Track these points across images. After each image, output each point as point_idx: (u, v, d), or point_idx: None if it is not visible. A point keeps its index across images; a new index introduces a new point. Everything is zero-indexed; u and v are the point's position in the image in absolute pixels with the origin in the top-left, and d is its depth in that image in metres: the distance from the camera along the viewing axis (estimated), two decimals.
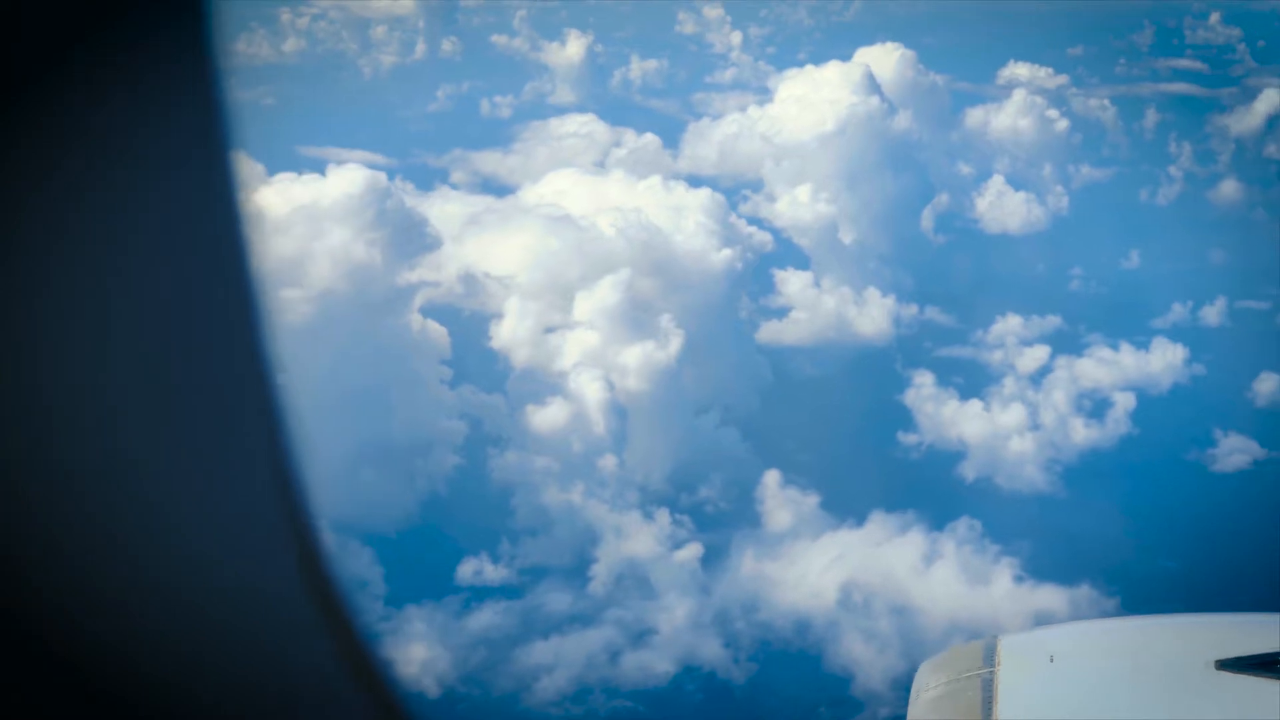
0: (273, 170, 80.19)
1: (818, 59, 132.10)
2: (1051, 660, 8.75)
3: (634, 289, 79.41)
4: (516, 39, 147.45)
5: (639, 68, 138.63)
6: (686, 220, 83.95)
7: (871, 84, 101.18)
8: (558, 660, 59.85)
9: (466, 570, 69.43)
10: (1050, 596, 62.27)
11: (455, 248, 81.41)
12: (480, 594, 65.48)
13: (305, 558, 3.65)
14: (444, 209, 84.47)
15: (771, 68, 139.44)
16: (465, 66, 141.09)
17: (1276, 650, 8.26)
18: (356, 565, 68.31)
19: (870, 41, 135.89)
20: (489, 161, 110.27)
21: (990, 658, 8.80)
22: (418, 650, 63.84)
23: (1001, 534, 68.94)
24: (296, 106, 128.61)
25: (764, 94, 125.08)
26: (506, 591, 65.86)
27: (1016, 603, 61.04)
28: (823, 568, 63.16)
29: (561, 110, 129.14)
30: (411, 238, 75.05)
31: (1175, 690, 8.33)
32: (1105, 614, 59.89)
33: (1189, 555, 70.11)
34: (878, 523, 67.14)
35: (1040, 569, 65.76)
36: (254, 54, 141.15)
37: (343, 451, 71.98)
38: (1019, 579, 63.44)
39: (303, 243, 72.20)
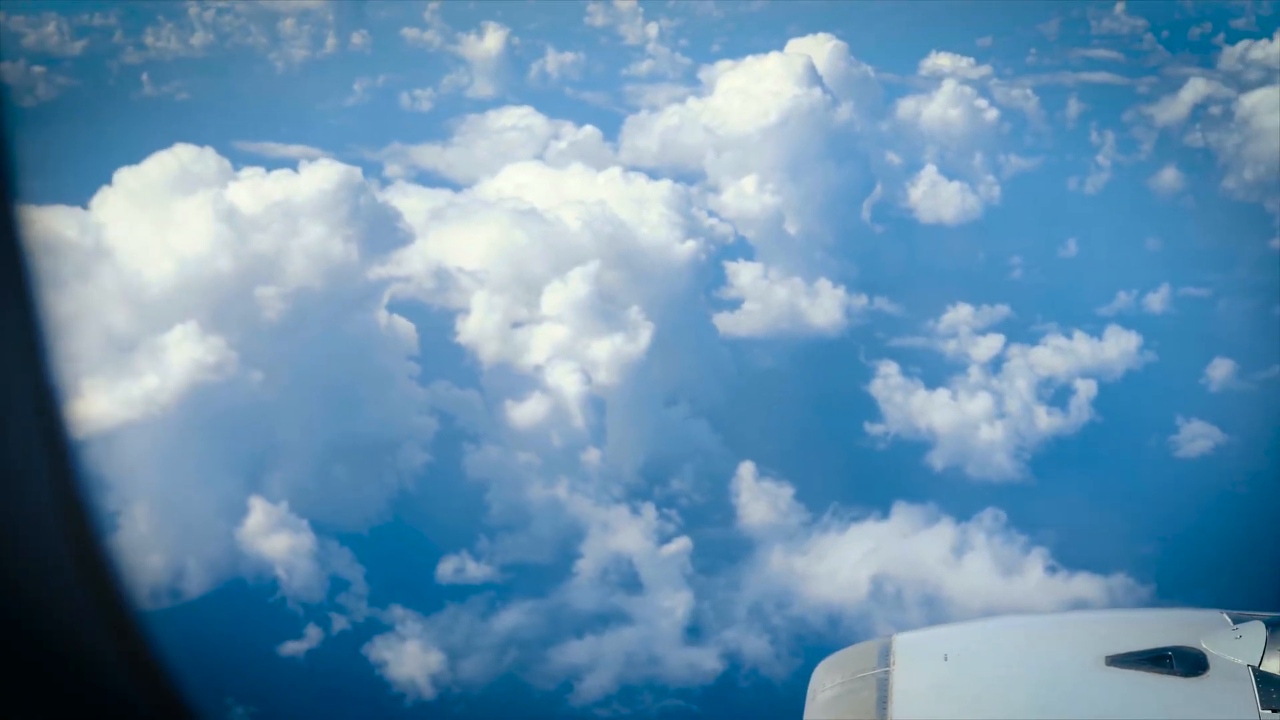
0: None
1: (731, 51, 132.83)
2: (946, 659, 8.89)
3: (601, 282, 78.98)
4: (428, 32, 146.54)
5: (555, 60, 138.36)
6: (649, 212, 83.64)
7: (813, 76, 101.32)
8: (595, 660, 59.27)
9: (447, 568, 68.63)
10: (1084, 585, 62.66)
11: (420, 242, 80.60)
12: (504, 593, 64.74)
13: (84, 558, 3.50)
14: (403, 203, 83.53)
15: (689, 60, 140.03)
16: (378, 60, 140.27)
17: (1165, 646, 8.47)
18: (337, 564, 67.41)
19: (781, 34, 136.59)
20: (428, 155, 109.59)
21: (885, 657, 8.90)
22: (415, 649, 63.07)
23: (986, 522, 69.38)
24: (212, 102, 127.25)
25: (692, 85, 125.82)
26: (531, 589, 65.16)
27: (1049, 593, 61.30)
28: (854, 561, 63.10)
29: (482, 103, 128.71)
30: (384, 233, 74.27)
31: (1067, 686, 8.46)
32: (1142, 603, 60.52)
33: (1165, 541, 70.59)
34: (903, 514, 67.28)
35: (1027, 556, 66.28)
36: (163, 48, 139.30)
37: (314, 450, 71.13)
38: (1052, 569, 63.76)
39: (278, 239, 71.11)
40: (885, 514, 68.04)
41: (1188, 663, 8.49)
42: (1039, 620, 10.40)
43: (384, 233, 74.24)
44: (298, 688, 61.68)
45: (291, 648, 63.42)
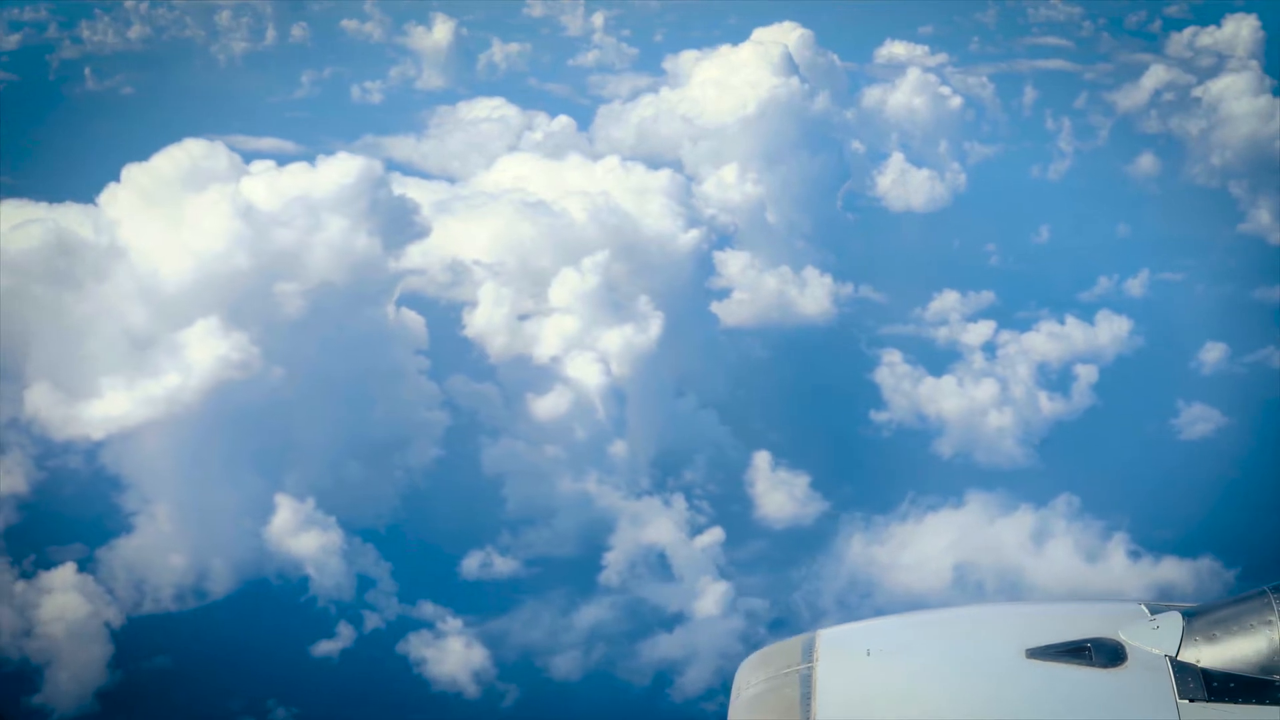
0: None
1: (675, 41, 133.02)
2: (869, 654, 9.00)
3: (609, 273, 78.44)
4: (368, 24, 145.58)
5: (501, 51, 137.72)
6: (651, 203, 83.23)
7: (790, 65, 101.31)
8: (687, 653, 58.77)
9: (472, 563, 67.93)
10: (1171, 569, 62.94)
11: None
12: (586, 589, 64.18)
13: None
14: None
15: (635, 50, 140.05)
16: (320, 52, 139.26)
17: (1084, 638, 8.72)
18: (363, 562, 66.49)
19: (721, 24, 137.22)
20: (402, 147, 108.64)
21: (809, 653, 9.02)
22: (458, 646, 62.29)
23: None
24: (160, 95, 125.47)
25: (655, 75, 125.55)
26: (586, 585, 64.64)
27: (1138, 576, 61.55)
28: (936, 551, 63.01)
29: (433, 95, 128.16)
30: (402, 226, 73.22)
31: (987, 680, 8.64)
32: (1229, 586, 60.85)
33: (1181, 524, 70.81)
34: (978, 502, 67.35)
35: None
36: (100, 42, 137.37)
37: (335, 447, 70.18)
38: (1135, 554, 64.01)
39: (298, 234, 69.95)
40: (959, 502, 68.15)
41: (1106, 654, 8.67)
42: (960, 613, 10.05)
43: (401, 226, 73.30)
44: (336, 688, 60.78)
45: (325, 647, 62.40)
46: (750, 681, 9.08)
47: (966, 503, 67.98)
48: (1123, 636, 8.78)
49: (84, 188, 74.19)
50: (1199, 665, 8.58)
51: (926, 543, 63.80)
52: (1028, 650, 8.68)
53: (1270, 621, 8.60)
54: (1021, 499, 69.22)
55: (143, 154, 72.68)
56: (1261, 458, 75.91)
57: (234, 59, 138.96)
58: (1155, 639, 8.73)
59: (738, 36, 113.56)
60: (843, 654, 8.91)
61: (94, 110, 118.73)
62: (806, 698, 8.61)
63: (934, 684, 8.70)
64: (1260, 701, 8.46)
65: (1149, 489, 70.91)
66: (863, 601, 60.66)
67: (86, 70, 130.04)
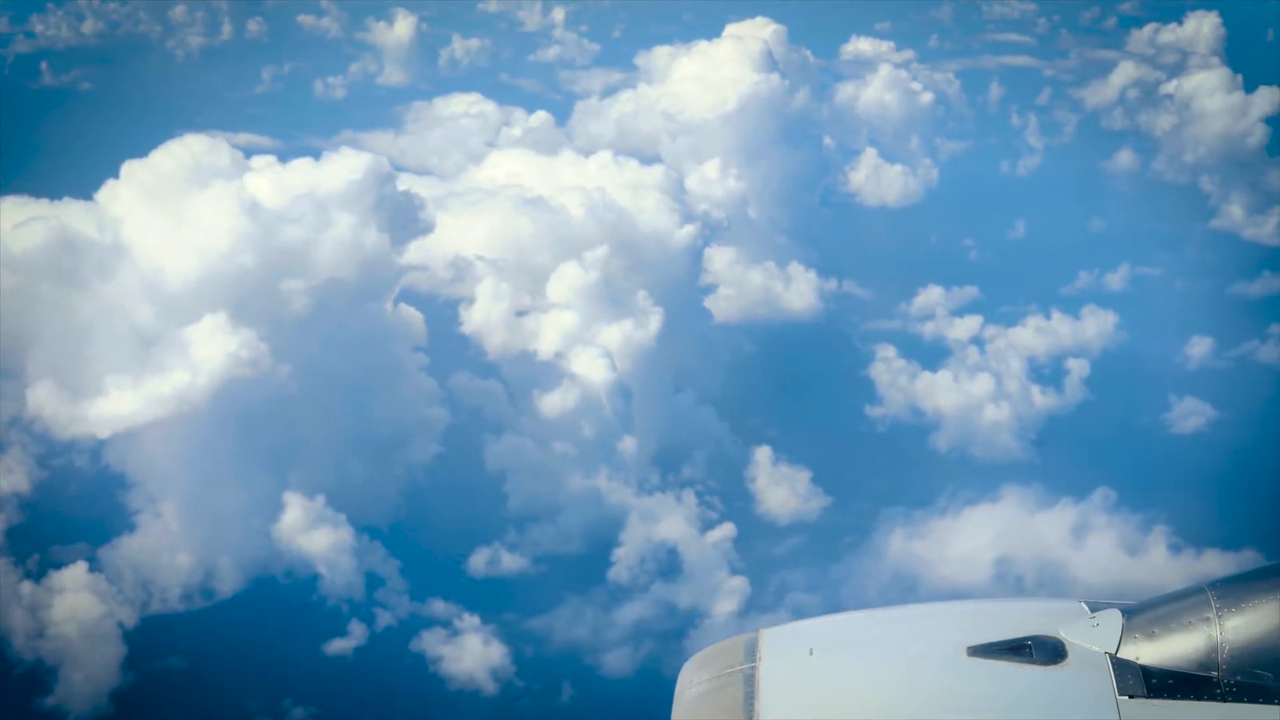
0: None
1: (635, 37, 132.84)
2: (811, 653, 9.03)
3: (608, 268, 78.14)
4: (325, 19, 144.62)
5: (462, 47, 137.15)
6: (646, 199, 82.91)
7: (770, 61, 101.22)
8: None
9: (479, 560, 67.51)
10: (1214, 562, 63.06)
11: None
12: (598, 586, 63.88)
13: None
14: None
15: (597, 45, 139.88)
16: (277, 48, 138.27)
17: (1025, 635, 8.77)
18: (371, 560, 65.92)
19: (676, 19, 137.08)
20: (379, 143, 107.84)
21: (752, 653, 9.03)
22: (475, 643, 61.87)
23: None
24: (121, 91, 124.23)
25: (626, 71, 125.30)
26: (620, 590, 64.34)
27: (1180, 570, 61.68)
28: (979, 546, 62.97)
29: (395, 90, 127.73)
30: (407, 222, 72.59)
31: (929, 678, 8.72)
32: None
33: (1184, 517, 71.09)
34: (1014, 496, 67.43)
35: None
36: (54, 36, 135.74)
37: (340, 445, 69.57)
38: (1176, 547, 64.19)
39: (304, 230, 69.23)
40: (995, 496, 68.23)
41: (1047, 651, 8.72)
42: (902, 611, 10.14)
43: (406, 222, 72.69)
44: (352, 687, 60.24)
45: (338, 646, 61.82)
46: (693, 681, 9.03)
47: (1002, 497, 68.10)
48: (1063, 634, 8.79)
49: (77, 184, 73.18)
50: (1138, 662, 8.61)
51: (966, 537, 63.83)
52: (969, 648, 8.70)
53: (1208, 618, 8.59)
54: (1028, 492, 69.47)
55: (126, 149, 71.93)
56: (1265, 451, 76.45)
57: (191, 54, 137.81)
58: (1095, 636, 8.76)
59: (695, 33, 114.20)
60: (785, 653, 8.87)
61: (61, 106, 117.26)
62: (750, 698, 8.58)
63: (876, 683, 8.72)
64: (1199, 697, 8.49)
65: (1165, 483, 71.29)
66: (906, 596, 60.63)
67: (43, 65, 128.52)
